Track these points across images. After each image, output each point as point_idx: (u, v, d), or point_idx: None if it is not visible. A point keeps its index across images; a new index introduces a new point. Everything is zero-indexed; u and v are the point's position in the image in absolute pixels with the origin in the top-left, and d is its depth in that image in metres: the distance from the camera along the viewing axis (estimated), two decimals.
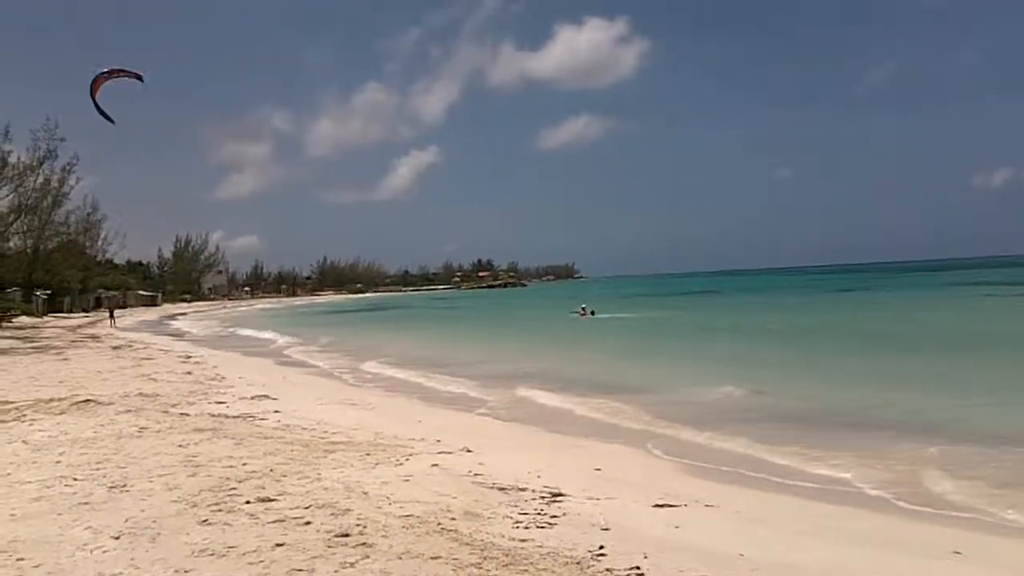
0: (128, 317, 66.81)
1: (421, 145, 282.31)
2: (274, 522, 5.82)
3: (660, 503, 7.16)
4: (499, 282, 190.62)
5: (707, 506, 7.27)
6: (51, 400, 12.83)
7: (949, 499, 7.98)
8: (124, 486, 6.90)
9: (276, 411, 12.23)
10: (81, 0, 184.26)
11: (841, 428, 11.62)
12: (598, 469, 8.81)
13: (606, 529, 6.11)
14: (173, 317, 69.50)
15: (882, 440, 10.63)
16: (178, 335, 40.83)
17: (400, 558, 5.11)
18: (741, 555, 5.72)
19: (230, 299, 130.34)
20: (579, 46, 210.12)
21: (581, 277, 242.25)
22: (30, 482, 7.09)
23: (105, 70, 18.62)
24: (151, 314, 77.79)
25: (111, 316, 55.42)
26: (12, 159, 50.88)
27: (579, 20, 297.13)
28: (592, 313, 48.13)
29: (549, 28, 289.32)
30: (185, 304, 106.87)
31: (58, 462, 7.98)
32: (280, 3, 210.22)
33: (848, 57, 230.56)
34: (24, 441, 9.23)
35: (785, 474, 9.10)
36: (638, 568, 5.17)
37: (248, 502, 6.36)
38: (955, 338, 25.41)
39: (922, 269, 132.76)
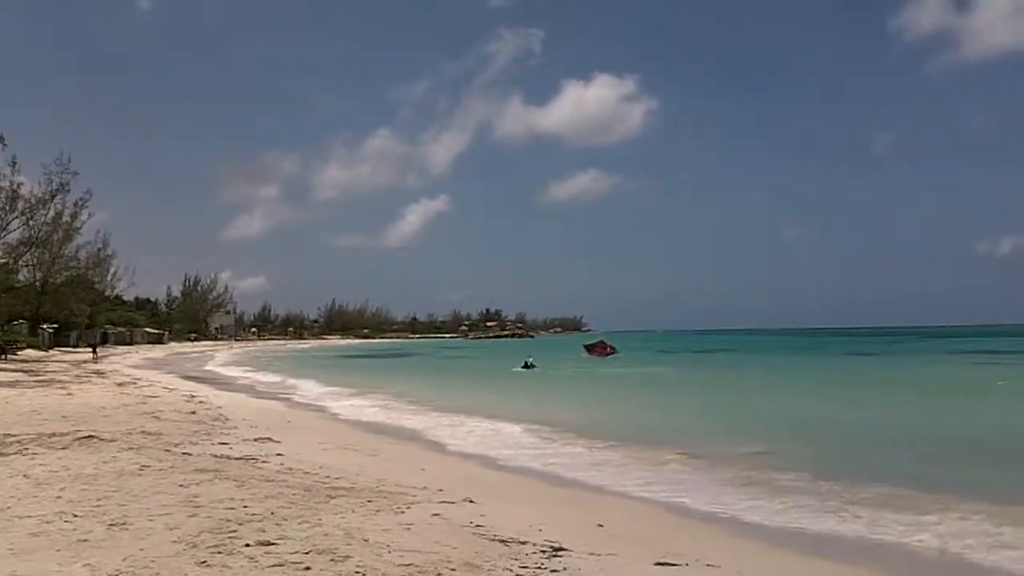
0: (133, 354, 66.91)
1: (430, 193, 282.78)
2: (273, 566, 5.78)
3: (661, 561, 7.07)
4: (506, 332, 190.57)
5: (708, 565, 7.17)
6: (53, 435, 12.83)
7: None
8: (124, 524, 6.87)
9: (279, 454, 12.20)
10: (100, 42, 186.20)
11: (843, 486, 11.46)
12: (600, 525, 8.71)
13: None
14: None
15: (894, 496, 10.53)
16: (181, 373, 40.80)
17: None
18: None
19: (236, 339, 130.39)
20: (587, 102, 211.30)
21: (589, 330, 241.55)
22: (30, 517, 7.07)
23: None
24: (157, 352, 77.95)
25: (94, 352, 55.00)
26: (24, 191, 51.31)
27: (588, 77, 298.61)
28: (526, 365, 48.80)
29: (557, 83, 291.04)
30: (190, 344, 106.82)
31: (58, 498, 7.97)
32: (295, 49, 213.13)
33: (857, 120, 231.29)
34: (25, 475, 9.22)
35: (792, 533, 8.97)
36: None
37: (248, 545, 6.32)
38: None
39: (925, 335, 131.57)
